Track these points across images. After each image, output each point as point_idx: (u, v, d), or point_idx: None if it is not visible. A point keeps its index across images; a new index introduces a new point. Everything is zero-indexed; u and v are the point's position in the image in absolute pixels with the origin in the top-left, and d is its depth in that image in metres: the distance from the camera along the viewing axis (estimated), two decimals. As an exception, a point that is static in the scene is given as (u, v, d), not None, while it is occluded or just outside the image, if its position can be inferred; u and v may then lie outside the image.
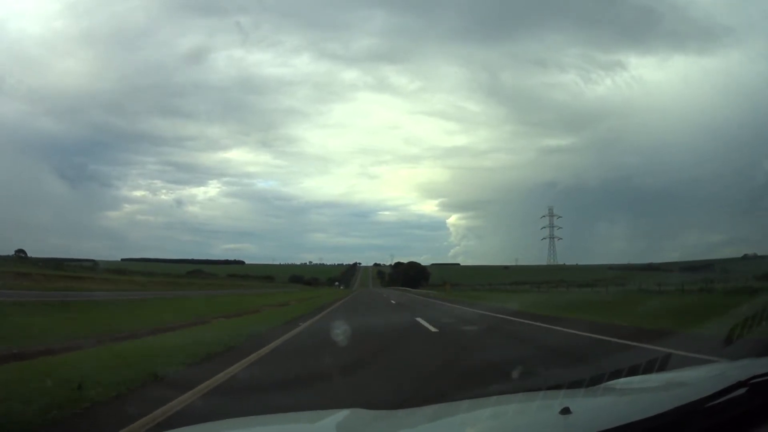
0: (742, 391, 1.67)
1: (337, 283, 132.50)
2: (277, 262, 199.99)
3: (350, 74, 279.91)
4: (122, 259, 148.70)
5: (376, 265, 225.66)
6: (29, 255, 57.25)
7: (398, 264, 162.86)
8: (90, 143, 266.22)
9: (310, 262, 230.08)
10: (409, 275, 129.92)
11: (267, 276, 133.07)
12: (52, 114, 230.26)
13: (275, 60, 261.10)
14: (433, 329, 12.23)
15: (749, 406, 1.68)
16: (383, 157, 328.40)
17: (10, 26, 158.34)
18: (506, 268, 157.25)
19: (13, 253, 55.85)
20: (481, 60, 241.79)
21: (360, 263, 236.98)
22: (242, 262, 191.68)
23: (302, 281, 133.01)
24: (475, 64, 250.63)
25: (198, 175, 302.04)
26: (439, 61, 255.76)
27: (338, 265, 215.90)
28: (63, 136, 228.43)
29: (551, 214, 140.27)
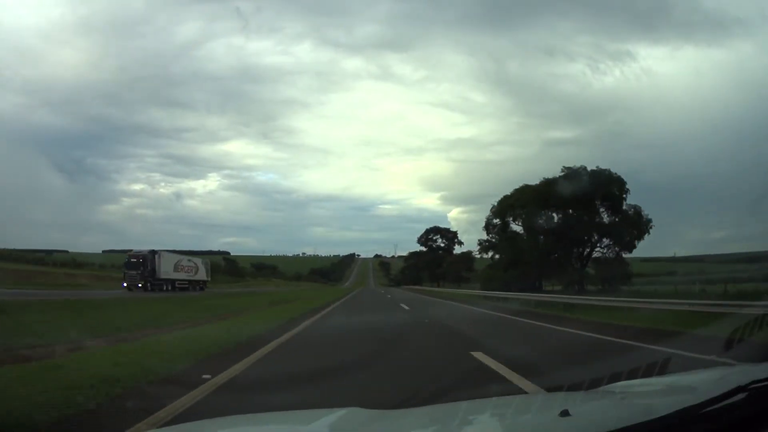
0: (742, 395, 1.66)
1: None
2: (268, 254, 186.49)
3: (353, 63, 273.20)
4: (104, 251, 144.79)
5: (377, 256, 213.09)
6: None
7: (432, 234, 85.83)
8: (87, 136, 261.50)
9: (303, 253, 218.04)
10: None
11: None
12: (48, 106, 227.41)
13: (275, 48, 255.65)
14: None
15: (749, 411, 1.67)
16: (386, 149, 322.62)
17: (4, 15, 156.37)
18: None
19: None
20: (488, 48, 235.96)
21: (359, 254, 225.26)
22: (227, 253, 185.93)
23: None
24: (482, 53, 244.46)
25: (197, 168, 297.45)
26: (444, 49, 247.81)
27: (334, 256, 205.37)
28: (59, 128, 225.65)
29: None
